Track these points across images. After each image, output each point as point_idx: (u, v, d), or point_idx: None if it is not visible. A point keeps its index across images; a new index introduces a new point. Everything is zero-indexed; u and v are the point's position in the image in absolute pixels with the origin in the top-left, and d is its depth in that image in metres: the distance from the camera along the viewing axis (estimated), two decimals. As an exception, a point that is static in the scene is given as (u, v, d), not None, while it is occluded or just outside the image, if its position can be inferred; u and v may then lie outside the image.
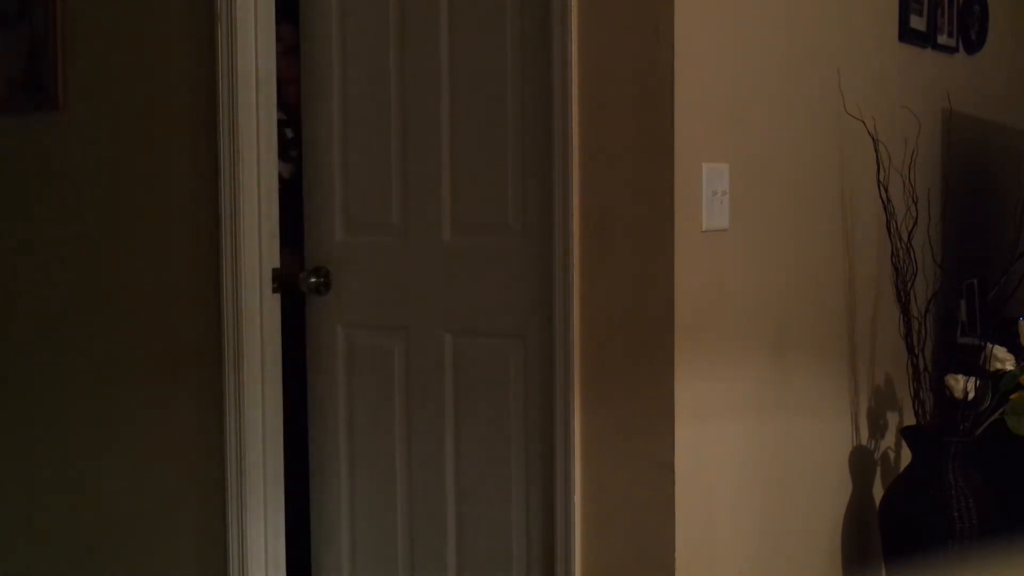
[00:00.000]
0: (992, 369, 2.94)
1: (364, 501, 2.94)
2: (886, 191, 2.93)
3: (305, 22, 3.00)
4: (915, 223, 2.95)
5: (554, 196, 2.57)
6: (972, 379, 2.90)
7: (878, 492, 3.15)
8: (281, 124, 3.46)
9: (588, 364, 2.57)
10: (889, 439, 3.23)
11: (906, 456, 3.07)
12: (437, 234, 2.81)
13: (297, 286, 2.98)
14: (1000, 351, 2.95)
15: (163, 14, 2.91)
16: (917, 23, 3.33)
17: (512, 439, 2.72)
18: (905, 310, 2.94)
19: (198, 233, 2.85)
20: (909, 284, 2.93)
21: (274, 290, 2.83)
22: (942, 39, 3.50)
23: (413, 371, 2.86)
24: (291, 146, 3.44)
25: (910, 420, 3.11)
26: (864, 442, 3.14)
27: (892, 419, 3.23)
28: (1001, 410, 2.92)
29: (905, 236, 2.93)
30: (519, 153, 2.67)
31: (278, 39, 3.41)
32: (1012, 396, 2.92)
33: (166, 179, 2.94)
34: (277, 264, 2.84)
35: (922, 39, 3.37)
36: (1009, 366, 2.94)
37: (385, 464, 2.91)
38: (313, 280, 2.96)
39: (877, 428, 3.18)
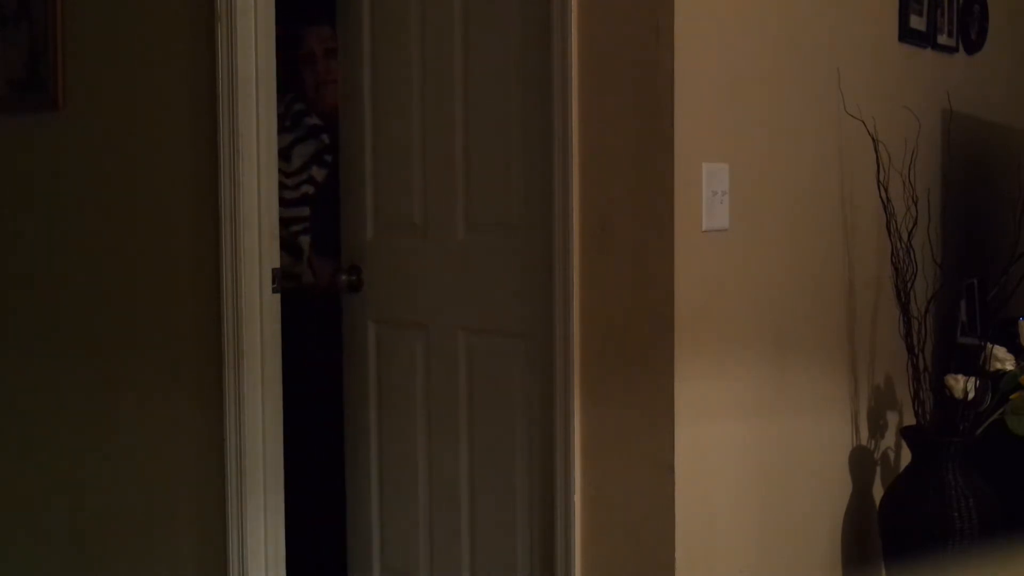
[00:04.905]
0: (992, 369, 2.93)
1: (390, 496, 3.05)
2: (886, 191, 2.93)
3: (341, 32, 3.11)
4: (915, 223, 2.95)
5: (554, 196, 2.58)
6: (972, 379, 2.90)
7: (878, 492, 3.15)
8: (319, 130, 3.53)
9: (588, 364, 2.57)
10: (889, 439, 3.22)
11: (906, 456, 3.07)
12: (453, 233, 2.85)
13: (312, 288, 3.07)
14: (1000, 351, 2.95)
15: (163, 14, 2.91)
16: (917, 23, 3.33)
17: (517, 439, 2.75)
18: (905, 310, 2.94)
19: (198, 233, 2.85)
20: (909, 284, 2.93)
21: (274, 290, 2.83)
22: (942, 39, 3.49)
23: (432, 369, 2.92)
24: (327, 151, 3.49)
25: (910, 420, 3.11)
26: (864, 442, 3.14)
27: (892, 419, 3.22)
28: (1001, 410, 2.91)
29: (905, 236, 2.93)
30: (523, 153, 2.69)
31: (318, 40, 3.49)
32: (1012, 396, 2.92)
33: (166, 179, 2.94)
34: (277, 264, 2.84)
35: (922, 39, 3.37)
36: (1009, 366, 2.93)
37: (408, 462, 2.99)
38: (346, 278, 3.07)
39: (877, 428, 3.18)
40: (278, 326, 2.86)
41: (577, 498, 2.60)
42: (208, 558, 2.89)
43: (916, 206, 2.96)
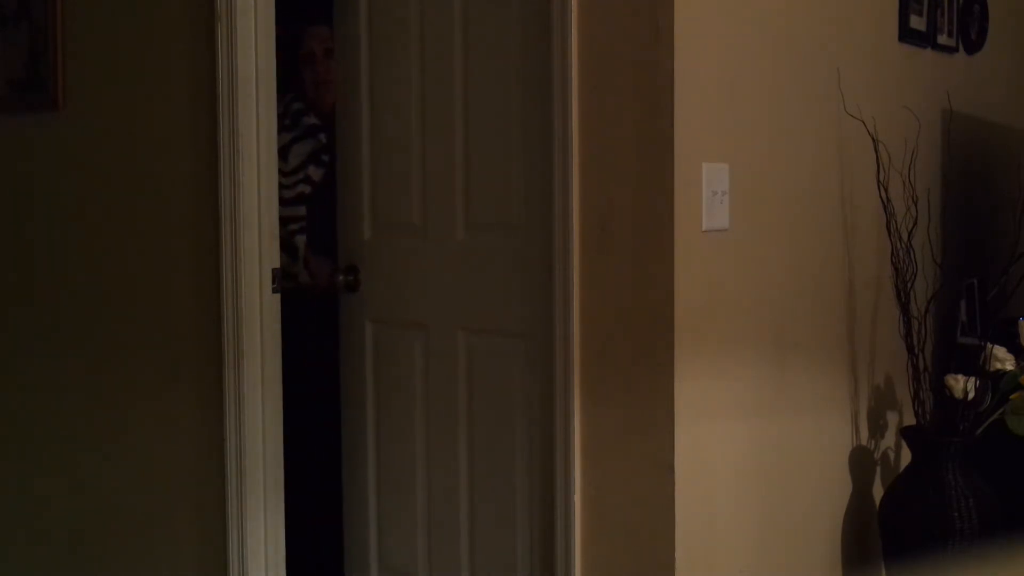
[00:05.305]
0: (992, 369, 2.93)
1: (389, 496, 3.05)
2: (886, 191, 2.93)
3: (339, 31, 3.10)
4: (915, 223, 2.95)
5: (554, 196, 2.58)
6: (972, 379, 2.90)
7: (878, 492, 3.15)
8: (316, 129, 3.54)
9: (588, 364, 2.57)
10: (889, 439, 3.23)
11: (906, 456, 3.07)
12: (452, 233, 2.85)
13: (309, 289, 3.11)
14: (1000, 351, 2.95)
15: (163, 14, 2.91)
16: (917, 23, 3.33)
17: (517, 439, 2.75)
18: (905, 310, 2.94)
19: (198, 233, 2.85)
20: (909, 284, 2.93)
21: (274, 290, 2.83)
22: (942, 39, 3.49)
23: (431, 369, 2.92)
24: (324, 151, 3.49)
25: (910, 420, 3.11)
26: (864, 442, 3.14)
27: (892, 419, 3.22)
28: (1001, 410, 2.91)
29: (905, 236, 2.93)
30: (523, 153, 2.69)
31: (318, 40, 3.51)
32: (1012, 396, 2.92)
33: (166, 179, 2.94)
34: (277, 264, 2.84)
35: (922, 39, 3.37)
36: (1009, 366, 2.93)
37: (406, 462, 2.99)
38: (343, 278, 3.07)
39: (877, 428, 3.18)
40: (278, 326, 2.86)
41: (577, 498, 2.60)
42: (208, 558, 2.89)
43: (916, 206, 2.96)
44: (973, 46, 3.70)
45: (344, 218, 3.12)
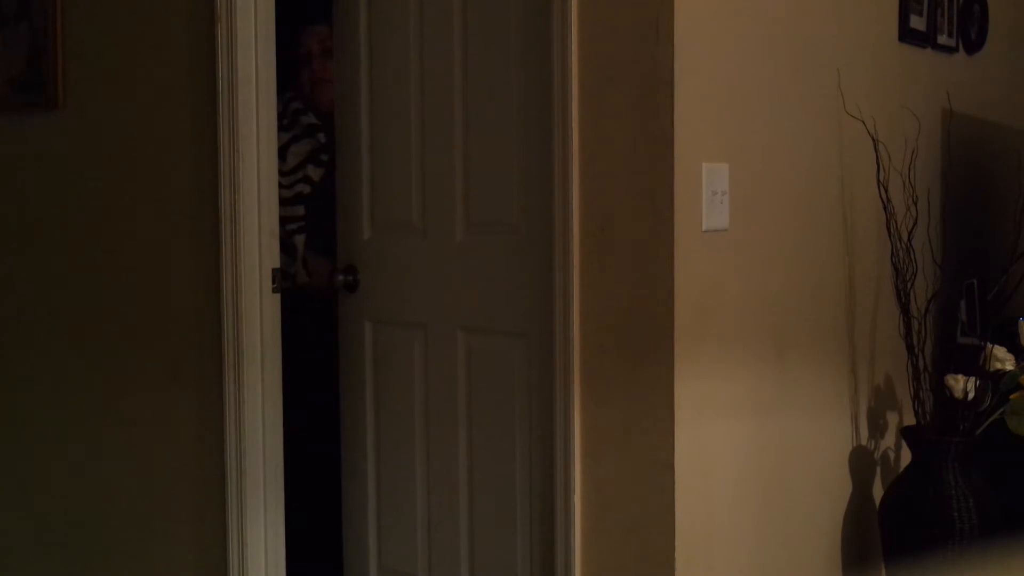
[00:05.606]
0: (992, 369, 2.93)
1: (388, 497, 3.05)
2: (886, 191, 2.93)
3: (337, 30, 3.10)
4: (915, 223, 2.95)
5: (554, 196, 2.58)
6: (972, 379, 2.90)
7: (878, 492, 3.15)
8: (315, 128, 3.53)
9: (588, 363, 2.57)
10: (889, 439, 3.22)
11: (906, 456, 3.07)
12: (451, 233, 2.85)
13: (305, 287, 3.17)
14: (1000, 351, 2.95)
15: (163, 14, 2.91)
16: (917, 23, 3.33)
17: (517, 439, 2.75)
18: (905, 310, 2.94)
19: (198, 233, 2.85)
20: (909, 284, 2.93)
21: (274, 290, 2.84)
22: (942, 39, 3.49)
23: (431, 368, 2.92)
24: (323, 150, 3.49)
25: (910, 420, 3.11)
26: (864, 442, 3.14)
27: (892, 419, 3.22)
28: (1001, 410, 2.91)
29: (905, 236, 2.93)
30: (523, 153, 2.69)
31: (316, 39, 3.51)
32: (1012, 396, 2.92)
33: (166, 179, 2.94)
34: (277, 264, 2.85)
35: (922, 39, 3.37)
36: (1009, 366, 2.93)
37: (406, 462, 2.99)
38: (342, 278, 3.08)
39: (877, 428, 3.18)
40: (278, 326, 2.87)
41: (577, 498, 2.60)
42: (208, 558, 2.89)
43: (916, 206, 2.96)
44: (973, 46, 3.70)
45: (343, 218, 3.13)
